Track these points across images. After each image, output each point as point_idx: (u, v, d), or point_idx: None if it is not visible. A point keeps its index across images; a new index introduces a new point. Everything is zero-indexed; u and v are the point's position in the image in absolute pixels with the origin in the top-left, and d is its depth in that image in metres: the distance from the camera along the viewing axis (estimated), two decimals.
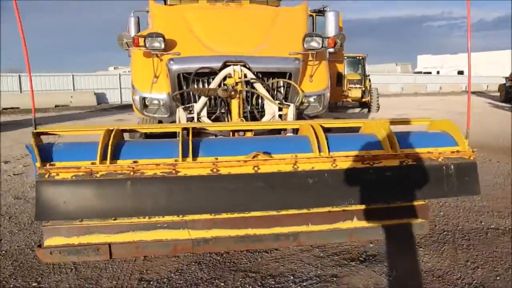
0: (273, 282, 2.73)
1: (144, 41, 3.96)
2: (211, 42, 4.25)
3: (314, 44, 4.22)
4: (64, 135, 4.20)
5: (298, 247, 3.25)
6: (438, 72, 50.93)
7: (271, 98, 4.11)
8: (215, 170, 2.62)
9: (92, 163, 2.57)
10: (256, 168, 2.65)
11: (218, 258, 3.12)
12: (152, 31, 4.38)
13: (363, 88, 17.12)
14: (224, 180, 2.61)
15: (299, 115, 4.43)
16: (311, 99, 4.49)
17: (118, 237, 3.10)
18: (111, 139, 2.65)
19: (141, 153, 2.68)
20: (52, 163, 2.59)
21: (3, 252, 3.28)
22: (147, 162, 2.60)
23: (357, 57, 18.14)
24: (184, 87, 4.11)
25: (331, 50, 5.34)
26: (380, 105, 17.51)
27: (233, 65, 4.01)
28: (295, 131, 3.92)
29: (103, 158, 2.58)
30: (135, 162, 2.63)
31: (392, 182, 2.78)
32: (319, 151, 2.76)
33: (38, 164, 2.52)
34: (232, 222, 3.18)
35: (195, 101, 4.13)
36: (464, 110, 14.74)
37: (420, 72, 50.50)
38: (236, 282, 2.74)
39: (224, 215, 3.17)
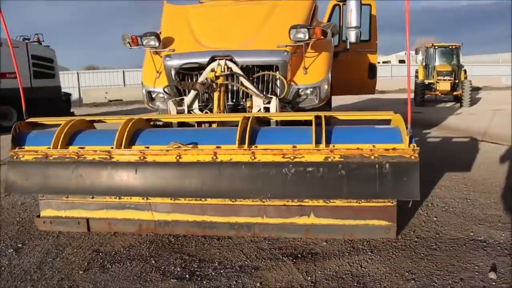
0: (196, 266, 2.87)
1: (141, 40, 4.36)
2: (204, 38, 4.47)
3: (300, 36, 4.13)
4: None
5: (253, 239, 3.30)
6: None
7: (255, 91, 4.15)
8: (142, 157, 2.86)
9: (48, 148, 3.04)
10: (178, 158, 2.81)
11: (172, 240, 3.35)
12: (160, 30, 4.79)
13: (454, 81, 15.39)
14: (149, 166, 2.84)
15: (297, 109, 4.40)
16: (308, 92, 4.40)
17: (95, 213, 3.56)
18: (65, 128, 3.08)
19: (89, 140, 3.05)
20: (21, 147, 3.13)
21: (18, 219, 4.02)
22: (89, 148, 2.97)
23: (450, 47, 16.32)
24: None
25: (353, 40, 5.15)
26: (476, 99, 15.55)
27: (219, 59, 4.17)
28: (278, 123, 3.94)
29: (57, 144, 3.03)
30: (81, 148, 3.02)
31: (314, 178, 2.66)
32: (241, 143, 2.79)
33: (10, 147, 3.08)
34: (190, 208, 3.39)
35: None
36: None
37: None
38: (166, 261, 2.95)
39: (183, 200, 3.39)
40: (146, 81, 4.73)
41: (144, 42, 4.38)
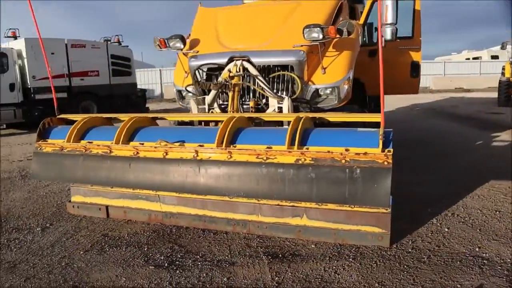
0: (179, 256, 3.05)
1: (168, 42, 4.66)
2: (226, 39, 4.61)
3: (314, 35, 4.07)
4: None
5: (246, 236, 3.39)
6: None
7: (269, 92, 4.20)
8: (135, 153, 3.11)
9: (63, 142, 3.44)
10: (165, 154, 3.01)
11: (174, 231, 3.58)
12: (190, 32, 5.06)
13: None
14: (140, 161, 3.08)
15: (316, 109, 4.34)
16: (328, 91, 4.32)
17: (113, 202, 3.94)
18: (79, 125, 3.46)
19: (99, 136, 3.39)
20: (45, 140, 3.59)
21: (58, 203, 4.59)
22: (95, 143, 3.31)
23: None
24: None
25: (388, 37, 4.92)
26: None
27: (237, 60, 4.29)
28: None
29: (70, 138, 3.42)
30: (89, 142, 3.37)
31: (285, 180, 2.65)
32: (220, 143, 2.87)
33: (36, 140, 3.56)
34: (192, 202, 3.59)
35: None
36: None
37: None
38: (156, 249, 3.18)
39: (186, 195, 3.62)
40: (176, 80, 5.03)
41: (170, 44, 4.67)
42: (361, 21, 5.55)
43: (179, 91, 5.01)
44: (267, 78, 4.32)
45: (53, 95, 3.85)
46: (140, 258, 3.05)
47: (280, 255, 3.00)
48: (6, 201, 4.71)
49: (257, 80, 4.24)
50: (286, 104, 4.09)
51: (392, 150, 2.47)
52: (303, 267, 2.81)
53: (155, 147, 3.02)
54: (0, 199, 4.77)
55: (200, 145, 2.93)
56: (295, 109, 4.28)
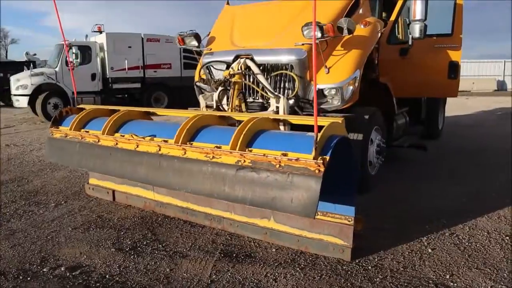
0: (144, 243, 3.22)
1: (184, 39, 4.86)
2: (237, 38, 4.68)
3: (312, 33, 3.91)
4: None
5: (220, 232, 3.46)
6: None
7: (269, 90, 4.16)
8: (115, 143, 3.35)
9: (67, 129, 3.83)
10: (136, 147, 3.20)
11: (159, 219, 3.78)
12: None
13: None
14: (119, 151, 3.32)
15: (320, 110, 4.21)
16: (333, 92, 4.15)
17: (118, 187, 4.29)
18: (81, 115, 3.82)
19: (96, 126, 3.70)
20: (57, 127, 4.03)
21: (83, 184, 5.12)
22: (90, 132, 3.63)
23: None
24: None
25: (416, 35, 4.57)
26: None
27: (241, 58, 4.33)
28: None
29: (72, 127, 3.79)
30: (86, 131, 3.71)
31: (225, 180, 2.64)
32: (177, 139, 2.95)
33: (49, 126, 4.04)
34: (178, 194, 3.77)
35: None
36: None
37: None
38: (130, 234, 3.40)
39: None
40: (196, 76, 5.24)
41: (186, 42, 4.87)
42: (393, 17, 5.17)
43: (198, 87, 5.20)
44: (268, 77, 4.29)
45: (73, 85, 4.29)
46: (111, 240, 3.30)
47: (234, 255, 3.01)
48: (47, 178, 5.38)
49: (258, 78, 4.23)
50: (281, 104, 4.03)
51: (328, 157, 2.32)
52: (246, 269, 2.79)
53: (129, 140, 3.23)
54: (45, 176, 5.47)
55: (165, 141, 3.06)
56: (300, 110, 4.20)
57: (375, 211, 3.83)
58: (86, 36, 14.03)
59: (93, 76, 12.95)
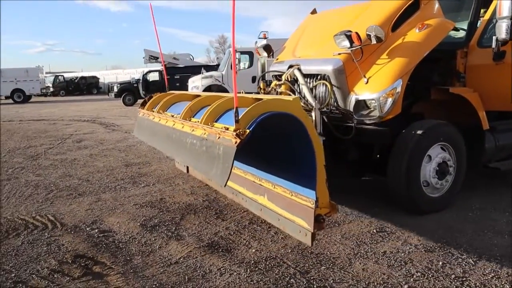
0: (164, 225, 3.91)
1: (259, 51, 5.31)
2: (299, 48, 4.83)
3: (344, 44, 3.79)
4: None
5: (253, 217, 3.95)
6: None
7: (310, 99, 4.20)
8: (159, 119, 4.15)
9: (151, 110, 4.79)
10: (173, 124, 3.75)
11: (199, 208, 4.43)
12: None
13: None
14: (160, 126, 4.07)
15: (358, 121, 4.01)
16: (374, 103, 3.92)
17: None
18: (163, 101, 4.63)
19: (174, 109, 4.43)
20: (143, 107, 5.06)
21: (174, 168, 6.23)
22: (155, 111, 4.43)
23: None
24: None
25: (503, 35, 3.90)
26: None
27: (291, 68, 4.51)
28: None
29: (145, 107, 4.79)
30: (152, 111, 4.56)
31: (195, 149, 3.04)
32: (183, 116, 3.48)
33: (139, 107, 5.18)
34: None
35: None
36: None
37: None
38: (164, 217, 4.14)
39: None
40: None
41: (260, 53, 5.31)
42: (487, 15, 4.32)
43: None
44: (313, 87, 4.32)
45: (164, 76, 5.34)
46: (145, 217, 4.10)
47: (217, 247, 3.37)
48: (163, 164, 6.71)
49: (302, 88, 4.34)
50: (313, 114, 4.04)
51: (247, 131, 2.43)
52: (202, 260, 3.13)
53: (167, 118, 3.94)
54: (164, 163, 6.86)
55: (174, 116, 3.71)
56: (339, 120, 4.12)
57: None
58: (255, 42, 15.75)
59: (253, 79, 14.54)
